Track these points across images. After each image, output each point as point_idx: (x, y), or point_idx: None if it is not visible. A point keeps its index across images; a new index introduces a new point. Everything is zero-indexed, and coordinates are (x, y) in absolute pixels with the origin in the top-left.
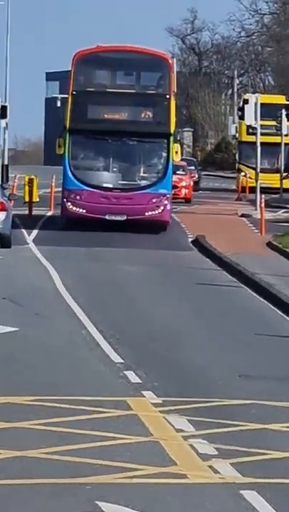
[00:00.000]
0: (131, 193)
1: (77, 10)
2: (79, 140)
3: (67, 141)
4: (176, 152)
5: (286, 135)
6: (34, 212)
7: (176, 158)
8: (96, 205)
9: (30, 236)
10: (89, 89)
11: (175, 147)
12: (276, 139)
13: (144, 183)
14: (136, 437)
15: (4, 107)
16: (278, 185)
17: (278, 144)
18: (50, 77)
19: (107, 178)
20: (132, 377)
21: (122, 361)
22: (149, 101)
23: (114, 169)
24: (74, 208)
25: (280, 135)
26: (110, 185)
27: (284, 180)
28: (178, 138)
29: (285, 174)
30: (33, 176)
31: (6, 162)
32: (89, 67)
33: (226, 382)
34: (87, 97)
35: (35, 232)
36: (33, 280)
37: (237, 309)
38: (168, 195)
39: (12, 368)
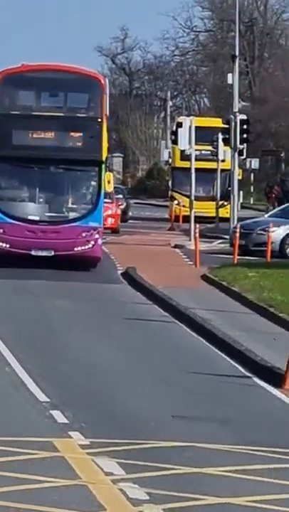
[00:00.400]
0: (59, 227)
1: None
2: (3, 168)
3: None
4: (109, 182)
5: (222, 161)
6: None
7: (108, 188)
8: (21, 240)
9: None
10: (14, 112)
11: (107, 176)
12: (212, 165)
13: (73, 215)
14: (63, 480)
15: None
16: (214, 214)
17: (214, 171)
18: None
19: (33, 210)
20: (59, 417)
21: (48, 400)
22: (79, 125)
23: (41, 200)
24: None
25: (216, 161)
26: (36, 218)
27: (220, 209)
28: (108, 165)
29: (221, 202)
30: None
31: None
32: (14, 88)
33: (158, 423)
34: (12, 120)
35: None
36: None
37: (169, 346)
38: (99, 229)
39: None
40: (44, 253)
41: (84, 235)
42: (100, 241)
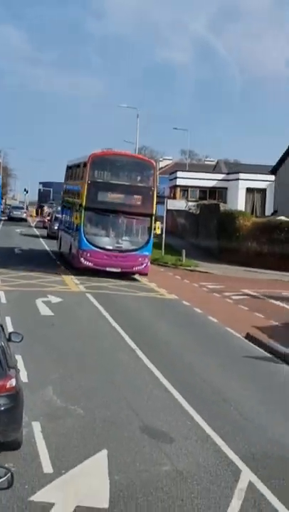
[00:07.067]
0: (125, 254)
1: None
2: (91, 215)
3: (82, 215)
4: (158, 227)
5: None
6: None
7: (157, 231)
8: (100, 261)
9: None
10: (99, 180)
11: (157, 224)
12: None
13: (133, 247)
14: (62, 286)
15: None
16: None
17: None
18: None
19: (109, 242)
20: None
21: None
22: (139, 191)
23: (113, 236)
24: (85, 262)
25: None
26: (111, 247)
27: None
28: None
29: None
30: None
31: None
32: (100, 165)
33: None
34: (98, 185)
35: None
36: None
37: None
38: (149, 256)
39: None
40: (114, 269)
41: (140, 259)
42: (148, 263)
